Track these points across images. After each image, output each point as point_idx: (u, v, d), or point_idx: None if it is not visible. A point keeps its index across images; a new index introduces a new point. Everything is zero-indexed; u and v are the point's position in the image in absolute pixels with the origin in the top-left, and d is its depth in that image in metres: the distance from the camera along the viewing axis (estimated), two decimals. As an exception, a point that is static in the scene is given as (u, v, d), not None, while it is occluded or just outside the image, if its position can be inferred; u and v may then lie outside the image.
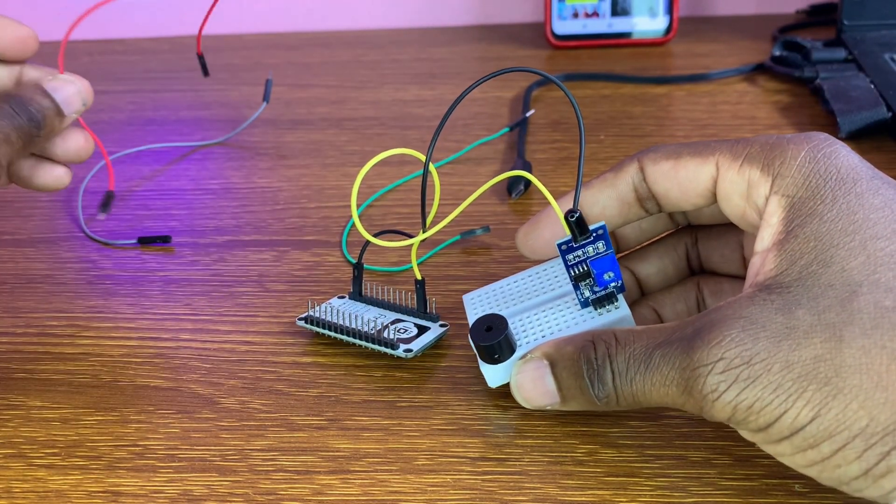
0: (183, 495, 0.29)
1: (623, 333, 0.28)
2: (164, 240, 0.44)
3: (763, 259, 0.27)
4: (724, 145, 0.30)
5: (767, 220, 0.28)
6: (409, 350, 0.34)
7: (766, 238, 0.27)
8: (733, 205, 0.29)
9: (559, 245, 0.31)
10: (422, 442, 0.31)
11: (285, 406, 0.33)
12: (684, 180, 0.30)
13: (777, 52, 0.62)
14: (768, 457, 0.29)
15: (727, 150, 0.29)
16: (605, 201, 0.32)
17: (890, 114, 0.50)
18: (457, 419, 0.32)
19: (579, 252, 0.31)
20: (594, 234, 0.31)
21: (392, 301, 0.37)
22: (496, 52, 0.70)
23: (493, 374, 0.31)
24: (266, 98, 0.56)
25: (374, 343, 0.35)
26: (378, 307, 0.37)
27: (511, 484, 0.29)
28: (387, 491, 0.29)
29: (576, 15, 0.69)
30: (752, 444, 0.30)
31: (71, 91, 0.39)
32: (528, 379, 0.30)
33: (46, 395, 0.34)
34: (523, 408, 0.32)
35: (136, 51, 0.74)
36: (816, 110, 0.55)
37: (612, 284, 0.31)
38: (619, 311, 0.31)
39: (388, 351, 0.34)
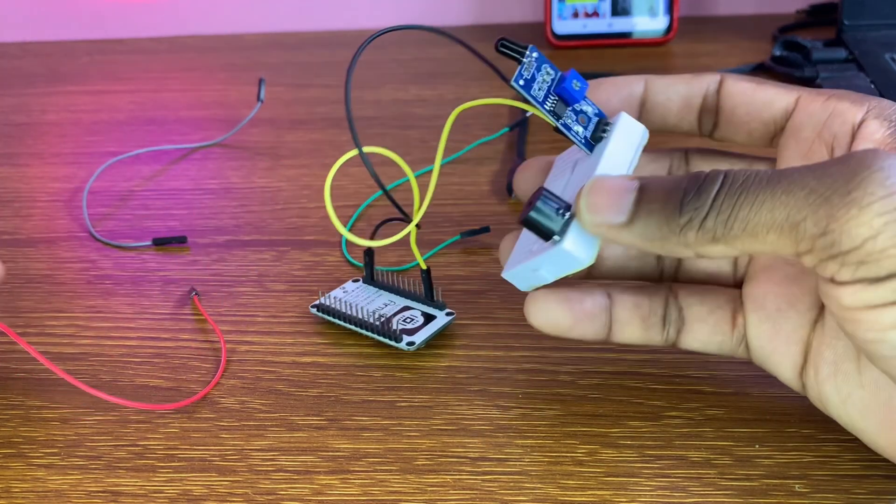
0: (182, 495, 0.29)
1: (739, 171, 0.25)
2: (180, 240, 0.44)
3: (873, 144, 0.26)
4: (805, 91, 0.30)
5: (868, 137, 0.27)
6: (412, 343, 0.34)
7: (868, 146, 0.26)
8: (801, 138, 0.29)
9: (515, 82, 0.29)
10: (422, 442, 0.31)
11: (285, 406, 0.33)
12: (759, 102, 0.30)
13: (777, 52, 0.62)
14: (768, 457, 0.29)
15: (809, 92, 0.30)
16: (672, 94, 0.31)
17: (890, 114, 0.50)
18: (457, 419, 0.32)
19: (537, 84, 0.29)
20: (529, 57, 0.29)
21: (403, 287, 0.38)
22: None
23: (578, 245, 0.27)
24: (260, 98, 0.56)
25: (378, 335, 0.35)
26: (389, 293, 0.38)
27: (511, 484, 0.29)
28: (387, 491, 0.29)
29: (576, 15, 0.69)
30: (753, 445, 0.30)
31: None
32: (606, 186, 0.26)
33: (46, 395, 0.34)
34: (523, 408, 0.32)
35: (136, 51, 0.74)
36: (817, 110, 0.55)
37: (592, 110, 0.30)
38: (626, 124, 0.29)
39: (392, 343, 0.35)
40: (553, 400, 0.32)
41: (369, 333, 0.36)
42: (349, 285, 0.38)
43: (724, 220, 0.24)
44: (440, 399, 0.33)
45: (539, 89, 0.29)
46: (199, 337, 0.37)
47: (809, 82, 0.57)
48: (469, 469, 0.29)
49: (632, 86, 0.32)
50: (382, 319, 0.36)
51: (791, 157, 0.30)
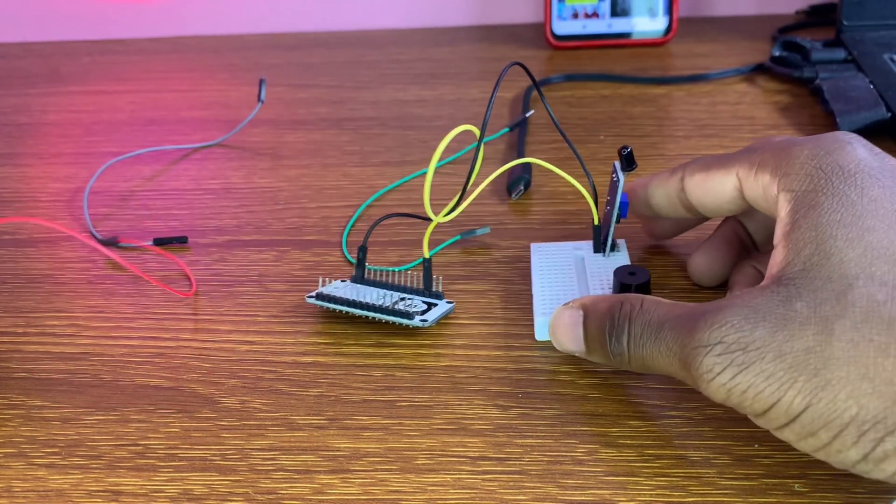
0: (183, 494, 0.29)
1: (649, 301, 0.30)
2: (181, 240, 0.44)
3: (775, 252, 0.28)
4: (744, 155, 0.32)
5: (778, 215, 0.29)
6: (425, 320, 0.35)
7: (777, 233, 0.29)
8: (761, 207, 0.32)
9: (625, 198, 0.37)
10: (422, 441, 0.31)
11: (285, 405, 0.33)
12: (712, 190, 0.34)
13: (777, 53, 0.62)
14: (768, 456, 0.29)
15: (745, 160, 0.32)
16: (660, 198, 0.37)
17: (889, 114, 0.50)
18: (457, 419, 0.32)
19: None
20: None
21: (396, 283, 0.38)
22: (496, 52, 0.70)
23: None
24: (261, 98, 0.56)
25: (388, 315, 0.35)
26: (382, 288, 0.38)
27: (511, 483, 0.29)
28: (387, 490, 0.29)
29: (576, 15, 0.69)
30: (752, 444, 0.30)
31: None
32: (562, 324, 0.32)
33: (47, 395, 0.34)
34: (523, 407, 0.32)
35: (137, 51, 0.74)
36: (816, 111, 0.55)
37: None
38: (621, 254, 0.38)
39: (404, 321, 0.35)
40: (553, 399, 0.32)
41: (377, 315, 0.36)
42: (338, 283, 0.38)
43: (639, 357, 0.29)
44: (440, 399, 0.33)
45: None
46: (200, 337, 0.37)
47: (809, 82, 0.58)
48: (469, 468, 0.29)
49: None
50: (388, 301, 0.36)
51: (762, 223, 0.37)
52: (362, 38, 0.75)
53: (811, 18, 0.71)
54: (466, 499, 0.28)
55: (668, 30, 0.68)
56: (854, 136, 0.30)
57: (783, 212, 0.29)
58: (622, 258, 0.38)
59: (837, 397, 0.24)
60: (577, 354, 0.32)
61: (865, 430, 0.24)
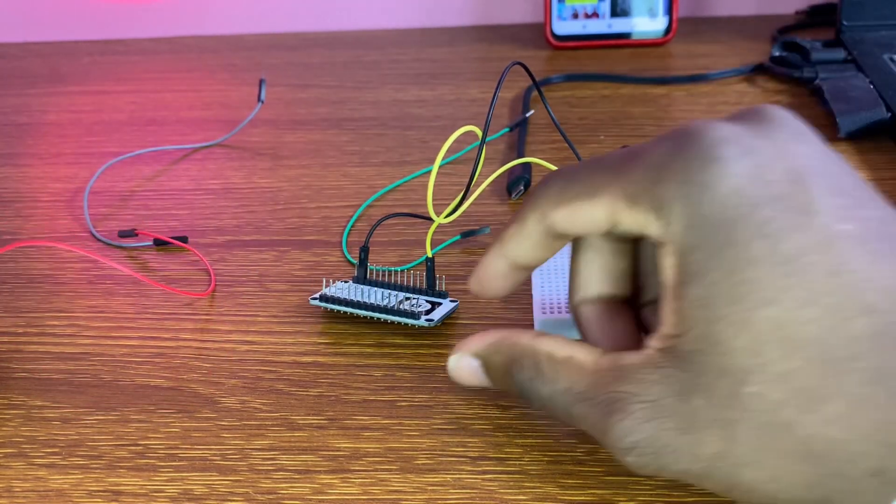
0: (183, 494, 0.29)
1: (548, 364, 0.27)
2: (181, 240, 0.44)
3: (664, 310, 0.25)
4: (609, 179, 0.26)
5: (662, 265, 0.25)
6: (431, 320, 0.35)
7: (664, 286, 0.25)
8: (638, 234, 0.27)
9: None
10: (422, 441, 0.31)
11: (285, 405, 0.33)
12: (584, 224, 0.27)
13: (776, 53, 0.62)
14: (768, 456, 0.29)
15: (617, 187, 0.26)
16: (526, 252, 0.29)
17: (889, 114, 0.50)
18: (457, 419, 0.32)
19: None
20: None
21: (398, 283, 0.38)
22: (496, 52, 0.70)
23: None
24: (261, 98, 0.56)
25: (393, 315, 0.36)
26: (385, 288, 0.38)
27: (511, 483, 0.29)
28: (387, 490, 0.29)
29: (575, 15, 0.69)
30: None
31: None
32: (465, 375, 0.31)
33: (47, 395, 0.34)
34: (524, 408, 0.32)
35: (137, 51, 0.74)
36: (816, 111, 0.55)
37: None
38: None
39: (410, 322, 0.35)
40: (553, 399, 0.32)
41: (382, 316, 0.36)
42: (340, 285, 0.38)
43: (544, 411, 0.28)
44: (440, 398, 0.33)
45: None
46: (200, 337, 0.37)
47: (809, 83, 0.58)
48: (469, 468, 0.29)
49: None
50: (393, 301, 0.36)
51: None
52: (362, 39, 0.75)
53: (811, 19, 0.71)
54: (466, 499, 0.28)
55: (668, 30, 0.68)
56: (709, 134, 0.25)
57: (668, 265, 0.25)
58: None
59: (750, 500, 0.24)
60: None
61: None
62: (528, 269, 0.30)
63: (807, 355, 0.22)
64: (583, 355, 0.27)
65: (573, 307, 0.30)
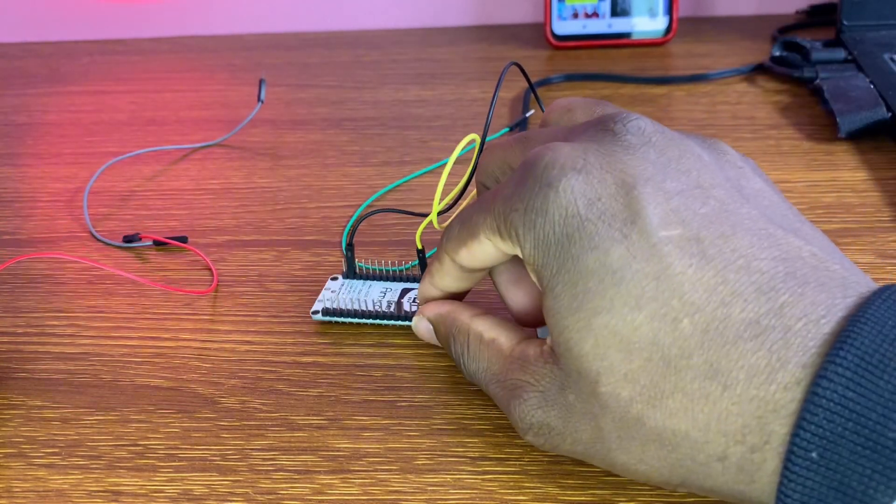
0: (183, 495, 0.29)
1: (474, 343, 0.31)
2: (181, 240, 0.44)
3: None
4: (481, 217, 0.29)
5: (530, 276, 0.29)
6: None
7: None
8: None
9: None
10: (422, 441, 0.31)
11: (285, 406, 0.33)
12: (482, 258, 0.30)
13: (777, 53, 0.62)
14: (768, 456, 0.29)
15: (485, 225, 0.29)
16: (451, 284, 0.33)
17: (889, 114, 0.50)
18: (457, 419, 0.32)
19: None
20: None
21: (390, 273, 0.38)
22: (496, 52, 0.70)
23: None
24: (260, 98, 0.56)
25: (399, 321, 0.36)
26: (379, 281, 0.38)
27: (511, 483, 0.29)
28: (387, 490, 0.29)
29: (576, 15, 0.69)
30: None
31: None
32: (422, 333, 0.34)
33: (47, 395, 0.34)
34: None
35: (137, 51, 0.74)
36: (816, 110, 0.55)
37: None
38: None
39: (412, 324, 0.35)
40: (553, 400, 0.32)
41: (384, 322, 0.36)
42: (331, 284, 0.38)
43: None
44: (440, 399, 0.33)
45: None
46: (200, 337, 0.37)
47: (809, 82, 0.58)
48: (469, 469, 0.29)
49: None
50: (393, 305, 0.36)
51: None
52: (362, 39, 0.75)
53: (811, 18, 0.72)
54: (466, 499, 0.28)
55: (668, 30, 0.68)
56: (547, 162, 0.27)
57: (537, 284, 0.27)
58: None
59: (630, 475, 0.26)
60: None
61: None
62: (461, 293, 0.34)
63: (645, 356, 0.24)
64: (504, 339, 0.30)
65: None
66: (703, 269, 0.24)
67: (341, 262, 0.42)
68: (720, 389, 0.23)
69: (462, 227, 0.30)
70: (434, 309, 0.33)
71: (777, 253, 0.24)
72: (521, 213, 0.27)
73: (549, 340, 0.27)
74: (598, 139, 0.27)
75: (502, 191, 0.28)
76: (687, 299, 0.24)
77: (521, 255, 0.28)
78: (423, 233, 0.36)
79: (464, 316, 0.32)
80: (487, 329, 0.31)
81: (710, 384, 0.23)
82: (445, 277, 0.32)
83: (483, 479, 0.29)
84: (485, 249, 0.29)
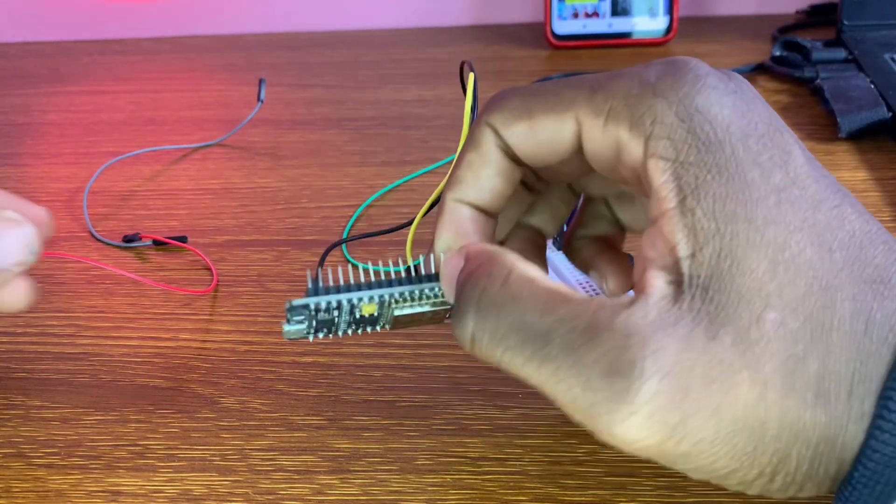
0: (182, 495, 0.29)
1: (526, 284, 0.23)
2: (181, 240, 0.44)
3: (663, 232, 0.23)
4: (581, 94, 0.25)
5: (651, 186, 0.24)
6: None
7: (657, 207, 0.23)
8: (605, 165, 0.25)
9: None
10: (422, 442, 0.31)
11: (285, 406, 0.33)
12: (546, 142, 0.26)
13: (777, 52, 0.62)
14: (768, 457, 0.29)
15: (586, 101, 0.25)
16: (488, 183, 0.26)
17: (890, 114, 0.50)
18: (457, 419, 0.32)
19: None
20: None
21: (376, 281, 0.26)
22: (496, 52, 0.70)
23: None
24: (260, 98, 0.56)
25: (412, 284, 0.27)
26: (362, 290, 0.26)
27: (511, 484, 0.29)
28: (387, 491, 0.29)
29: (576, 15, 0.69)
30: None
31: (10, 240, 0.29)
32: (449, 269, 0.26)
33: (46, 395, 0.34)
34: (524, 408, 0.32)
35: (137, 51, 0.74)
36: (816, 110, 0.55)
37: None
38: None
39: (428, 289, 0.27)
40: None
41: (396, 291, 0.26)
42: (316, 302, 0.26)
43: (486, 358, 0.24)
44: (440, 399, 0.33)
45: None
46: (200, 337, 0.37)
47: (809, 82, 0.58)
48: (469, 469, 0.29)
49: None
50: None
51: (602, 184, 0.29)
52: (362, 38, 0.75)
53: (811, 18, 0.72)
54: (466, 499, 0.28)
55: (669, 29, 0.68)
56: (700, 66, 0.25)
57: (659, 182, 0.23)
58: None
59: (766, 458, 0.22)
60: None
61: (776, 480, 0.22)
62: (490, 213, 0.27)
63: (807, 281, 0.22)
64: (568, 290, 0.23)
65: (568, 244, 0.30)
66: (843, 212, 0.23)
67: (341, 261, 0.42)
68: (864, 330, 0.22)
69: (531, 97, 0.26)
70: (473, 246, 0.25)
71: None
72: (668, 101, 0.24)
73: (662, 274, 0.22)
74: (733, 79, 0.25)
75: (626, 75, 0.25)
76: (835, 234, 0.23)
77: (634, 151, 0.24)
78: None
79: (509, 256, 0.25)
80: (541, 276, 0.24)
81: (858, 323, 0.22)
82: (489, 161, 0.26)
83: (483, 480, 0.29)
84: (559, 131, 0.25)
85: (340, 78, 0.66)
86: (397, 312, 0.27)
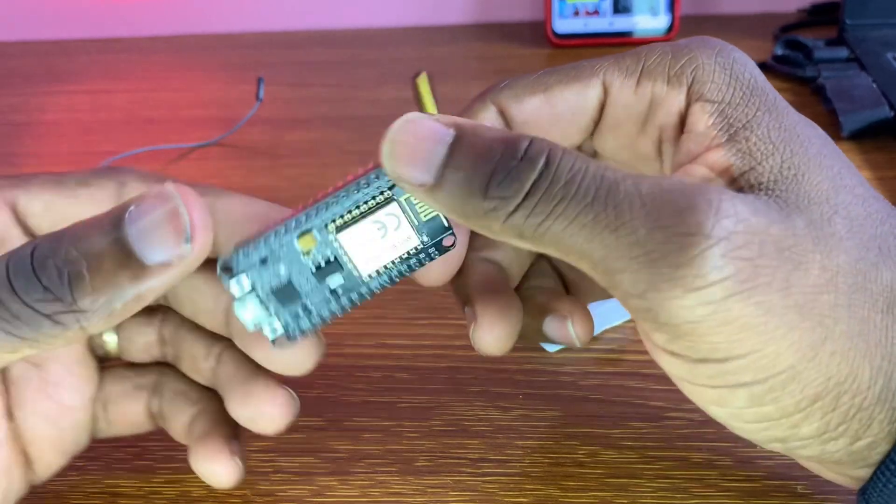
0: (181, 496, 0.29)
1: (571, 152, 0.21)
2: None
3: (724, 156, 0.22)
4: (606, 62, 0.25)
5: (693, 130, 0.23)
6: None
7: (693, 146, 0.23)
8: (620, 134, 0.25)
9: None
10: (422, 443, 0.31)
11: (284, 407, 0.33)
12: (566, 113, 0.25)
13: (779, 52, 0.62)
14: (770, 458, 0.29)
15: (613, 66, 0.25)
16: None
17: (892, 113, 0.50)
18: (457, 420, 0.31)
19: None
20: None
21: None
22: (496, 50, 0.70)
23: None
24: (259, 97, 0.56)
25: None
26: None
27: (511, 485, 0.29)
28: (387, 492, 0.29)
29: (576, 13, 0.68)
30: (754, 445, 0.29)
31: (152, 218, 0.21)
32: (412, 135, 0.21)
33: (44, 396, 0.34)
34: (524, 409, 0.32)
35: (135, 50, 0.74)
36: (818, 110, 0.55)
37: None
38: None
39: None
40: (553, 401, 0.32)
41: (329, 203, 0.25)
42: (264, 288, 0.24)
43: (535, 225, 0.20)
44: (440, 400, 0.32)
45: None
46: (198, 337, 0.37)
47: (811, 81, 0.57)
48: (469, 470, 0.29)
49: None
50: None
51: (613, 150, 0.26)
52: (361, 37, 0.74)
53: (813, 17, 0.71)
54: (466, 501, 0.28)
55: (670, 28, 0.68)
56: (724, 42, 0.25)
57: (707, 124, 0.23)
58: None
59: (832, 360, 0.20)
60: (408, 188, 0.22)
61: (841, 404, 0.21)
62: None
63: (866, 208, 0.22)
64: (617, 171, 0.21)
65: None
66: (868, 189, 0.23)
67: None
68: None
69: (544, 75, 0.25)
70: (465, 121, 0.22)
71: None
72: (706, 53, 0.24)
73: (722, 184, 0.22)
74: None
75: (654, 45, 0.25)
76: (872, 192, 0.23)
77: (674, 99, 0.24)
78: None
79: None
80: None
81: None
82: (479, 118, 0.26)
83: (483, 481, 0.29)
84: (580, 102, 0.25)
85: (340, 77, 0.65)
86: (345, 240, 0.23)
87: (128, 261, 0.20)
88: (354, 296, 0.24)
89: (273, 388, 0.25)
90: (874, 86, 0.53)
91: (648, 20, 0.68)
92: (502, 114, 0.25)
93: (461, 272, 0.27)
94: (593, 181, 0.20)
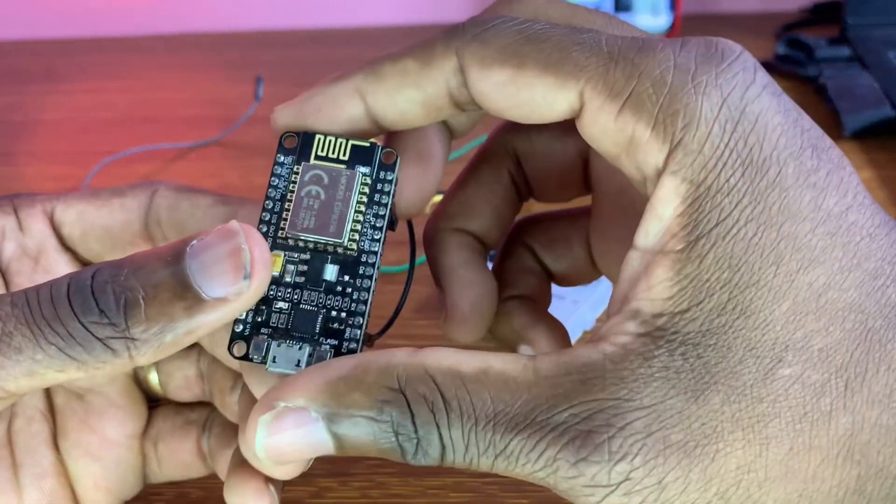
0: (180, 497, 0.29)
1: (454, 388, 0.19)
2: None
3: (657, 280, 0.19)
4: (595, 60, 0.20)
5: (658, 208, 0.19)
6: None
7: (652, 234, 0.19)
8: (604, 149, 0.20)
9: None
10: (422, 444, 0.30)
11: (283, 407, 0.32)
12: (527, 103, 0.20)
13: (781, 51, 0.62)
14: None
15: (599, 74, 0.19)
16: (405, 105, 0.23)
17: (894, 112, 0.50)
18: (457, 421, 0.31)
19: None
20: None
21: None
22: (496, 50, 0.70)
23: None
24: (258, 96, 0.56)
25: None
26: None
27: (512, 487, 0.28)
28: (387, 494, 0.28)
29: (577, 13, 0.68)
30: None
31: (214, 253, 0.21)
32: (289, 441, 0.19)
33: (40, 397, 0.34)
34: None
35: (133, 49, 0.74)
36: (820, 109, 0.55)
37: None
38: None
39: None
40: (555, 401, 0.32)
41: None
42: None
43: (473, 467, 0.20)
44: (440, 400, 0.32)
45: None
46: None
47: (813, 81, 0.57)
48: (469, 472, 0.29)
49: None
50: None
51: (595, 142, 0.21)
52: (361, 35, 0.74)
53: (815, 16, 0.71)
54: (467, 502, 0.28)
55: (672, 27, 0.68)
56: (747, 55, 0.20)
57: (669, 210, 0.19)
58: None
59: None
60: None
61: None
62: (377, 131, 0.23)
63: (847, 326, 0.19)
64: (502, 364, 0.19)
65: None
66: None
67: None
68: None
69: (527, 42, 0.20)
70: (310, 381, 0.19)
71: None
72: (710, 100, 0.19)
73: (639, 324, 0.19)
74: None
75: (659, 50, 0.20)
76: (893, 266, 0.19)
77: (652, 159, 0.19)
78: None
79: (398, 357, 0.19)
80: (461, 361, 0.19)
81: None
82: (424, 86, 0.22)
83: (484, 483, 0.29)
84: (548, 100, 0.20)
85: (339, 76, 0.65)
86: (300, 231, 0.22)
87: (184, 293, 0.20)
88: (361, 270, 0.22)
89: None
90: (876, 85, 0.53)
91: (649, 19, 0.68)
92: (462, 71, 0.21)
93: (433, 245, 0.25)
94: (490, 435, 0.19)
